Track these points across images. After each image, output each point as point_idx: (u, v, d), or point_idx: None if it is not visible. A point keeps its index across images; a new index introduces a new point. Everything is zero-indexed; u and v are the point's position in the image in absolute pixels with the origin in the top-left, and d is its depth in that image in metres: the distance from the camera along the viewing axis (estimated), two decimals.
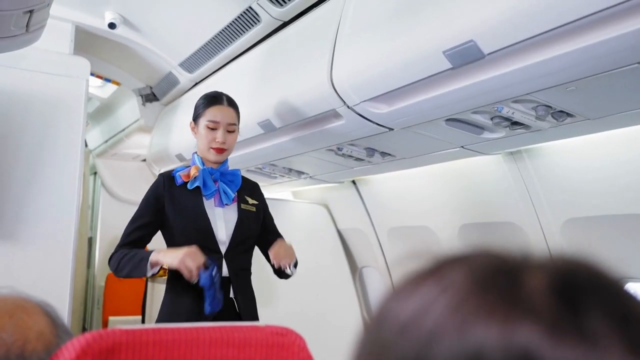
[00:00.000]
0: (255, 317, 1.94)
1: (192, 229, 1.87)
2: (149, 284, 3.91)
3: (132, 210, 1.94)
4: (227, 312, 1.83)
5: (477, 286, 0.30)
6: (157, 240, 1.94)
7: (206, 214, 1.89)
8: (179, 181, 1.91)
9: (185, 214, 1.88)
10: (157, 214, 1.90)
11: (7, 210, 2.43)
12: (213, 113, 1.92)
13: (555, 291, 0.29)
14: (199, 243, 1.81)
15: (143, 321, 3.76)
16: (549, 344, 0.27)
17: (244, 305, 1.87)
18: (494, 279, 0.30)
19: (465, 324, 0.29)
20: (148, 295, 3.86)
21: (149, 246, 1.92)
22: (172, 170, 1.97)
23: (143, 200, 1.93)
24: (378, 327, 0.34)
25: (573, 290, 0.29)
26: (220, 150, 1.92)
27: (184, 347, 0.77)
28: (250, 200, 1.99)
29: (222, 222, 1.90)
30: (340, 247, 3.40)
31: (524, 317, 0.28)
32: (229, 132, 1.93)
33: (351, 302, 3.35)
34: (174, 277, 1.86)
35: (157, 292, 3.72)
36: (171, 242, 1.90)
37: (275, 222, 2.09)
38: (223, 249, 1.88)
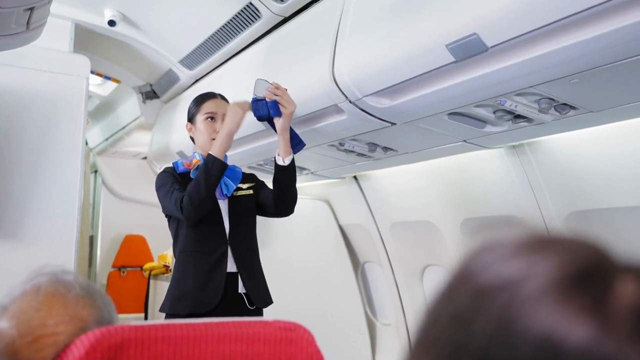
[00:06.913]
0: (267, 300, 1.96)
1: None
2: (151, 281, 3.91)
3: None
4: (237, 308, 1.85)
5: (570, 281, 0.31)
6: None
7: (216, 199, 1.92)
8: (180, 168, 1.93)
9: None
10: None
11: (9, 210, 2.42)
12: (209, 106, 1.99)
13: None
14: (207, 227, 1.86)
15: (146, 318, 3.76)
16: None
17: (252, 288, 1.90)
18: (588, 279, 0.31)
19: (555, 314, 0.30)
20: (150, 293, 3.87)
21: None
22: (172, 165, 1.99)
23: (162, 182, 1.91)
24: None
25: None
26: None
27: (193, 343, 0.77)
28: (245, 186, 2.02)
29: (225, 213, 1.94)
30: (342, 243, 3.40)
31: (611, 331, 0.29)
32: None
33: (353, 297, 3.35)
34: (181, 259, 1.89)
35: (160, 289, 3.72)
36: (179, 227, 1.92)
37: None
38: (227, 235, 1.92)
